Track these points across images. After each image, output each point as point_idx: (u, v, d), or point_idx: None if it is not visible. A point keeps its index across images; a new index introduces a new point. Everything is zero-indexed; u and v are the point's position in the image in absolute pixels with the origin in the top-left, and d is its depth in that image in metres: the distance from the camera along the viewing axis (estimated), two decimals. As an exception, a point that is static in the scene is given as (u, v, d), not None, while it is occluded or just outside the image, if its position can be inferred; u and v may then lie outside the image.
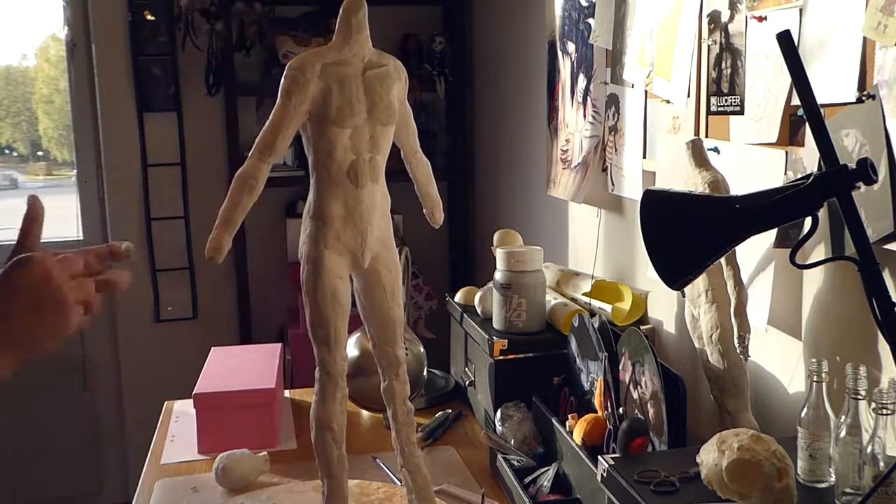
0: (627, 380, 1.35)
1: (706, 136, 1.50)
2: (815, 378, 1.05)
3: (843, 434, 1.00)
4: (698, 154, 1.35)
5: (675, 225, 1.01)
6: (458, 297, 1.98)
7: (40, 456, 3.17)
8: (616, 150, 1.86)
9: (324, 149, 1.17)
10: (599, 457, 1.15)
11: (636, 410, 1.31)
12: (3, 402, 3.03)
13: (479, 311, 1.84)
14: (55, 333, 0.85)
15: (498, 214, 2.97)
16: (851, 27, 1.13)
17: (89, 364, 3.21)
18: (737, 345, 1.28)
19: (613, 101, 1.87)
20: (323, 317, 1.18)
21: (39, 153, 3.60)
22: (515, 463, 1.49)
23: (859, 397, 0.99)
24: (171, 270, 3.25)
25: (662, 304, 1.71)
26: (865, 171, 0.87)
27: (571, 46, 2.10)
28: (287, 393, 2.03)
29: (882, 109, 1.07)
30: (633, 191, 1.79)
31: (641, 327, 1.61)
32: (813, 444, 1.05)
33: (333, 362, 1.19)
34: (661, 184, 1.64)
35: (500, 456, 1.51)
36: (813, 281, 1.26)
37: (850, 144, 1.13)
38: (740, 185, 1.34)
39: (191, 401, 1.70)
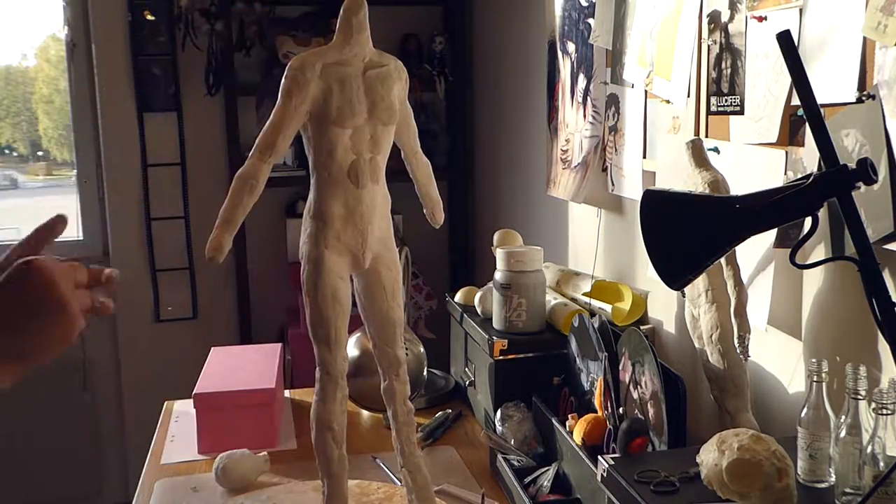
0: (627, 380, 1.35)
1: (706, 136, 1.50)
2: (815, 378, 1.05)
3: (843, 434, 1.00)
4: (698, 154, 1.35)
5: (675, 225, 1.01)
6: (458, 297, 1.98)
7: (40, 456, 3.17)
8: (616, 150, 1.87)
9: (324, 149, 1.18)
10: (599, 457, 1.15)
11: (636, 410, 1.31)
12: (3, 402, 3.03)
13: (479, 311, 1.84)
14: (58, 341, 0.82)
15: (498, 214, 2.97)
16: (851, 27, 1.13)
17: (89, 364, 3.21)
18: (737, 345, 1.28)
19: (613, 101, 1.87)
20: (323, 317, 1.18)
21: (39, 153, 3.60)
22: (515, 463, 1.49)
23: (859, 397, 0.99)
24: (171, 270, 3.25)
25: (662, 304, 1.71)
26: (865, 171, 0.87)
27: (571, 46, 2.10)
28: (287, 393, 2.03)
29: (882, 109, 1.07)
30: (633, 191, 1.79)
31: (641, 327, 1.61)
32: (813, 444, 1.05)
33: (334, 362, 1.19)
34: (661, 184, 1.64)
35: (500, 456, 1.51)
36: (813, 281, 1.26)
37: (850, 144, 1.13)
38: (740, 185, 1.34)
39: (191, 401, 1.70)
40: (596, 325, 1.48)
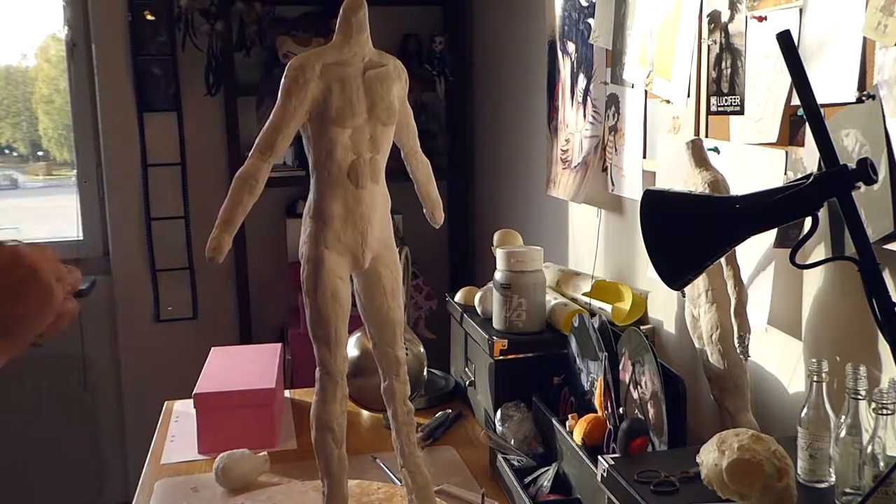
0: (627, 380, 1.35)
1: (706, 136, 1.50)
2: (815, 378, 1.05)
3: (843, 434, 1.00)
4: (698, 154, 1.35)
5: (675, 225, 1.01)
6: (458, 297, 1.98)
7: (40, 456, 3.17)
8: (616, 150, 1.87)
9: (324, 149, 1.17)
10: (599, 457, 1.15)
11: (636, 410, 1.31)
12: (3, 402, 3.04)
13: (479, 311, 1.84)
14: (38, 315, 0.83)
15: (498, 214, 2.97)
16: (851, 27, 1.13)
17: (89, 364, 3.21)
18: (737, 345, 1.27)
19: (613, 101, 1.87)
20: (323, 317, 1.18)
21: (39, 153, 3.60)
22: (515, 463, 1.49)
23: (859, 397, 0.99)
24: (171, 270, 3.25)
25: (662, 304, 1.71)
26: (865, 171, 0.87)
27: (571, 46, 2.10)
28: (287, 393, 2.03)
29: (882, 109, 1.07)
30: (633, 191, 1.79)
31: (641, 327, 1.61)
32: (813, 444, 1.05)
33: (334, 362, 1.19)
34: (661, 184, 1.64)
35: (500, 456, 1.51)
36: (813, 281, 1.26)
37: (850, 144, 1.13)
38: (740, 185, 1.34)
39: (191, 401, 1.70)
40: (596, 325, 1.48)
